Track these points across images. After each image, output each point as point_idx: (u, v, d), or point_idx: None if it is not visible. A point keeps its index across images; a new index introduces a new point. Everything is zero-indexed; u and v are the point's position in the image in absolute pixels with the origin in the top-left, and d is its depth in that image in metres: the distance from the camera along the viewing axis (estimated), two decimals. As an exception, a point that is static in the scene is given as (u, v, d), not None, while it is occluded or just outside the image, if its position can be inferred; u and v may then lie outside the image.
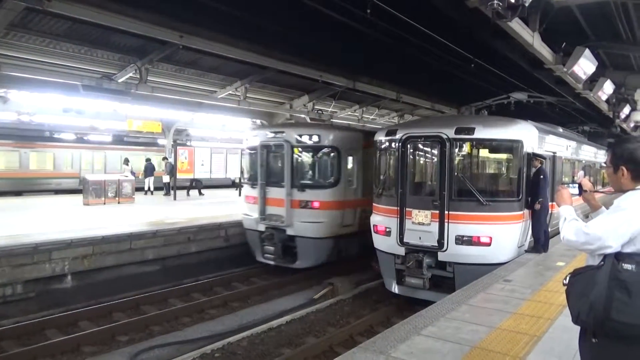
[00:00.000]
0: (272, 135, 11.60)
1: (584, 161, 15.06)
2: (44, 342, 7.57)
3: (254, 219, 11.83)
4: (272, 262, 11.76)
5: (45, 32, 9.76)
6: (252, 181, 12.15)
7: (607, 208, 2.58)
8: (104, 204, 16.81)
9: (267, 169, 11.65)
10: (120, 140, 28.33)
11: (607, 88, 11.95)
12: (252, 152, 12.19)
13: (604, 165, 2.79)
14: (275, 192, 11.36)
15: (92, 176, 18.09)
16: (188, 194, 22.34)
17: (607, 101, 13.47)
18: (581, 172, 14.40)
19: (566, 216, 2.57)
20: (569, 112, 17.86)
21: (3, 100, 17.91)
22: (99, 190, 17.02)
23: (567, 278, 2.47)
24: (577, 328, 2.47)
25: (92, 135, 27.30)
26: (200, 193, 22.68)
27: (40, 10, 8.18)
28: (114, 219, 13.17)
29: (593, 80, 11.32)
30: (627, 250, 2.32)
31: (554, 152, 10.73)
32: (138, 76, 11.75)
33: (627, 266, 2.25)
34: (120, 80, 11.89)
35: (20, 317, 8.65)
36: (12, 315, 8.68)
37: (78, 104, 18.21)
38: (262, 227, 11.66)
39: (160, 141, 30.27)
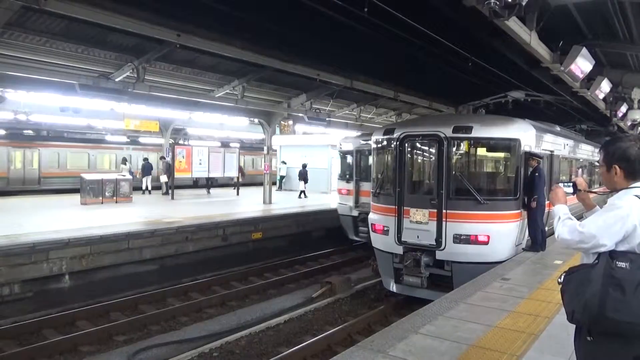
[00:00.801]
0: (365, 142, 14.32)
1: (581, 160, 15.09)
2: (42, 342, 7.58)
3: (349, 206, 14.85)
4: (364, 240, 14.03)
5: (41, 31, 9.71)
6: (347, 177, 15.38)
7: (602, 207, 2.59)
8: (102, 203, 16.78)
9: (360, 168, 14.67)
10: (60, 136, 25.73)
11: (604, 86, 11.94)
12: (346, 155, 15.66)
13: (598, 164, 2.81)
14: (367, 186, 13.77)
15: (89, 175, 18.03)
16: (209, 192, 23.00)
17: (604, 100, 13.47)
18: (579, 172, 14.45)
19: (560, 215, 2.57)
20: (567, 110, 17.86)
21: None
22: (97, 190, 16.98)
23: (562, 276, 2.48)
24: (574, 326, 2.48)
25: (27, 131, 25.09)
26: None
27: (36, 9, 8.14)
28: (112, 218, 13.15)
29: (590, 79, 11.31)
30: (621, 248, 2.33)
31: (552, 151, 10.75)
32: (135, 75, 11.72)
33: (621, 264, 2.26)
34: (117, 80, 11.86)
35: (17, 317, 8.64)
36: (9, 315, 8.68)
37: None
38: (355, 213, 14.57)
39: (109, 138, 28.60)
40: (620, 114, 14.74)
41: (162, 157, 22.80)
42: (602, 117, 17.42)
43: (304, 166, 22.84)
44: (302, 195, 22.04)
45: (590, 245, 2.38)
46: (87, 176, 17.78)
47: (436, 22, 8.54)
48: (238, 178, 22.85)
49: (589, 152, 16.02)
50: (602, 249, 2.34)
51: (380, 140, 9.95)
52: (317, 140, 26.03)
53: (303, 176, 22.48)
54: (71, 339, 7.68)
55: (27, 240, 9.63)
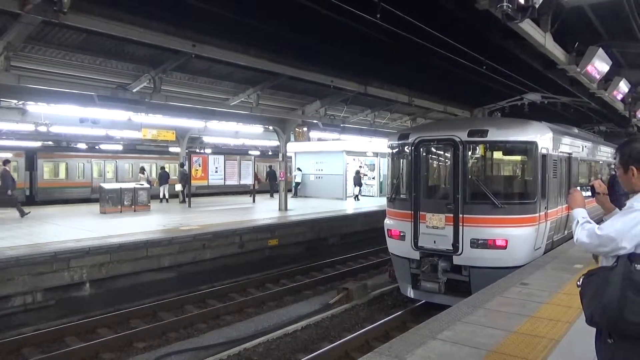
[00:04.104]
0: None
1: (600, 162, 14.85)
2: (64, 350, 7.69)
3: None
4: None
5: (61, 44, 9.96)
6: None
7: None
8: (120, 212, 17.02)
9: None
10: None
11: (622, 87, 11.80)
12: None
13: (614, 166, 2.77)
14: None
15: (108, 185, 18.33)
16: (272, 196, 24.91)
17: (623, 100, 13.30)
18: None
19: (579, 219, 2.55)
20: (584, 112, 17.62)
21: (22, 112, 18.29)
22: (116, 199, 17.24)
23: (581, 279, 2.46)
24: (595, 330, 2.45)
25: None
26: (271, 196, 25.00)
27: (56, 23, 8.34)
28: (131, 226, 13.32)
29: (608, 80, 11.18)
30: None
31: (570, 153, 10.61)
32: (152, 85, 11.91)
33: None
34: (134, 90, 12.07)
35: (40, 324, 8.80)
36: (32, 323, 8.84)
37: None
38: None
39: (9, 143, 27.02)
40: (639, 115, 14.50)
41: (182, 164, 23.08)
42: (621, 118, 17.17)
43: (357, 172, 24.73)
44: (356, 198, 23.86)
45: (610, 249, 2.36)
46: (106, 185, 18.08)
47: (449, 25, 8.54)
48: (254, 185, 23.01)
49: (608, 154, 15.77)
50: (622, 252, 2.32)
51: (395, 145, 9.93)
52: (331, 146, 26.15)
53: (357, 181, 24.31)
54: (92, 346, 7.78)
55: (49, 249, 9.83)
